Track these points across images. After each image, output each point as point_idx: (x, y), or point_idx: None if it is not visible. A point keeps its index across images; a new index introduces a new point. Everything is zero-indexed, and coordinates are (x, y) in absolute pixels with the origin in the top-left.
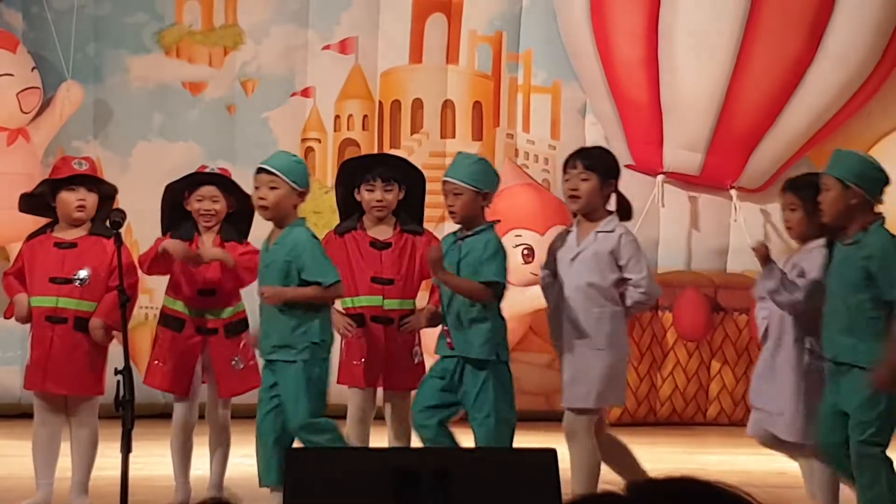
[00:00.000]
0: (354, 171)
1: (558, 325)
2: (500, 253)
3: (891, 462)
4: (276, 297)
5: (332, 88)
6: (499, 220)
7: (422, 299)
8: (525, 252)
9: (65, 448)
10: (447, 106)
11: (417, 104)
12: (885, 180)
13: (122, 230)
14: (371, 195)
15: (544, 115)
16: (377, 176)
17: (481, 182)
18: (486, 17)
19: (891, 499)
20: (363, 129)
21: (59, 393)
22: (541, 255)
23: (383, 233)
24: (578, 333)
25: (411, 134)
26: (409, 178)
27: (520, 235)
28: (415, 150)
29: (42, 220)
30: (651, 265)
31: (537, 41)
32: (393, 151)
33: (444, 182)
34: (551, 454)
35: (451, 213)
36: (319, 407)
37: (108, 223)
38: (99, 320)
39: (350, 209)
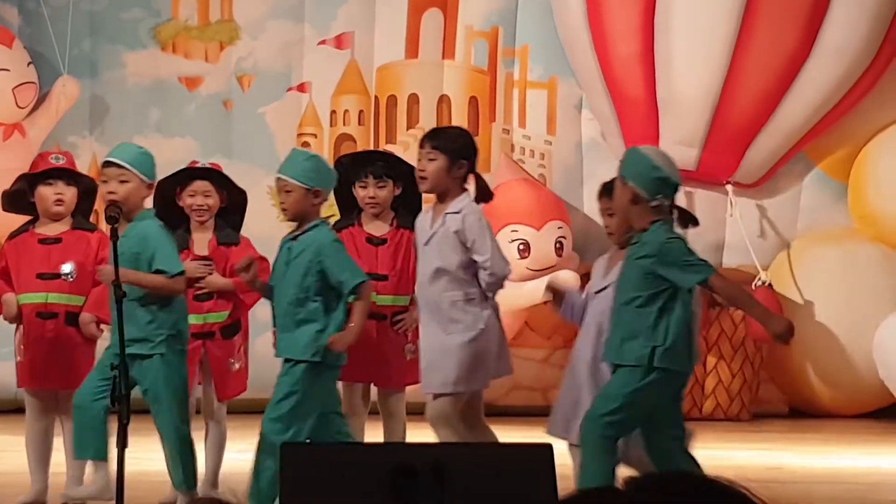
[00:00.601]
0: (348, 168)
1: (421, 309)
2: (343, 251)
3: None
4: (109, 277)
5: (329, 83)
6: (331, 217)
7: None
8: (521, 247)
9: (58, 444)
10: (443, 101)
11: (413, 99)
12: (664, 180)
13: (117, 225)
14: (364, 192)
15: (540, 111)
16: (369, 173)
17: (312, 179)
18: (483, 12)
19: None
20: (359, 124)
21: (52, 388)
22: (537, 251)
23: (379, 229)
24: (434, 318)
25: (407, 129)
26: (403, 175)
27: (516, 231)
28: (411, 145)
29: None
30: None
31: (533, 36)
32: (389, 147)
33: (277, 179)
34: (548, 449)
35: (283, 210)
36: (183, 398)
37: (105, 218)
38: (90, 315)
39: (348, 205)
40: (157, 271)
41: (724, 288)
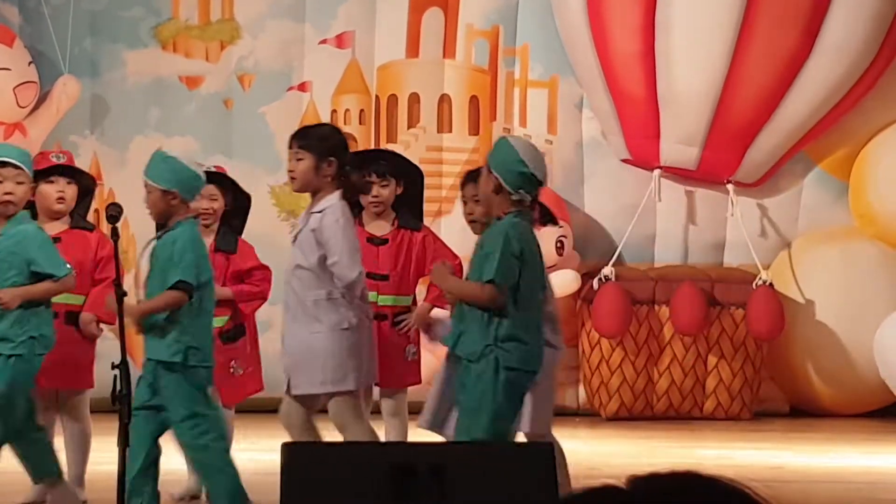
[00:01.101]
0: (351, 168)
1: (286, 308)
2: (189, 252)
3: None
4: (15, 301)
5: (329, 83)
6: (197, 216)
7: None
8: None
9: (59, 443)
10: (444, 100)
11: (414, 98)
12: (528, 176)
13: (118, 224)
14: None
15: (541, 110)
16: (372, 171)
17: (166, 181)
18: (483, 11)
19: None
20: (360, 123)
21: (52, 388)
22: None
23: (381, 228)
24: (299, 317)
25: (408, 128)
26: (405, 173)
27: None
28: (411, 144)
29: None
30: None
31: (534, 35)
32: (390, 146)
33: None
34: (547, 448)
35: (149, 211)
36: (21, 402)
37: (106, 217)
38: (90, 314)
39: (350, 205)
40: (45, 275)
41: (477, 298)
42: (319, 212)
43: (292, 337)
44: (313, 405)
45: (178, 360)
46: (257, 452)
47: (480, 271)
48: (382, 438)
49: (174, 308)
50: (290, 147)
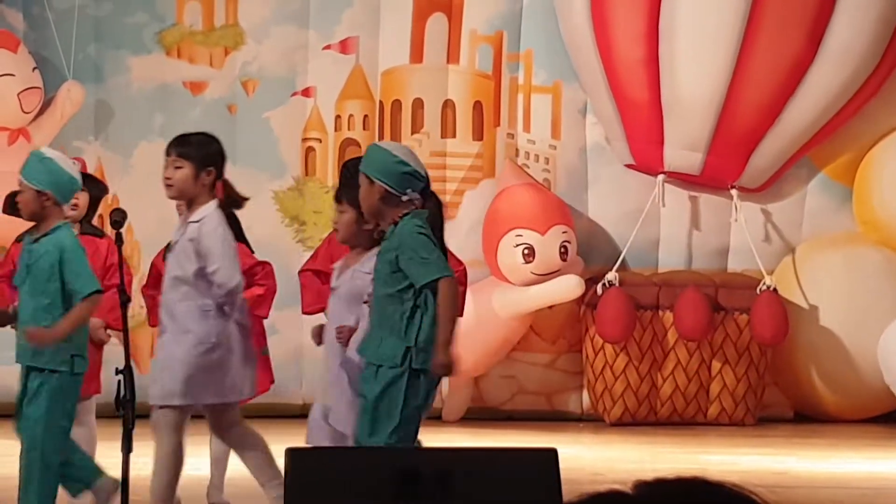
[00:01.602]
0: (354, 173)
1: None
2: (83, 258)
3: None
4: (60, 337)
5: (333, 88)
6: (67, 219)
7: None
8: (525, 252)
9: None
10: (448, 106)
11: (418, 104)
12: (412, 174)
13: (122, 230)
14: None
15: (545, 115)
16: None
17: (40, 182)
18: (487, 16)
19: None
20: (364, 128)
21: None
22: (541, 255)
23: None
24: (170, 327)
25: (412, 134)
26: None
27: (520, 235)
28: (415, 149)
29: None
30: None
31: (538, 41)
32: None
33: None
34: (552, 454)
35: (21, 211)
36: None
37: (110, 223)
38: (99, 320)
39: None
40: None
41: (445, 297)
42: (197, 221)
43: (162, 346)
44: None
45: (65, 370)
46: None
47: (419, 276)
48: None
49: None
50: (168, 154)
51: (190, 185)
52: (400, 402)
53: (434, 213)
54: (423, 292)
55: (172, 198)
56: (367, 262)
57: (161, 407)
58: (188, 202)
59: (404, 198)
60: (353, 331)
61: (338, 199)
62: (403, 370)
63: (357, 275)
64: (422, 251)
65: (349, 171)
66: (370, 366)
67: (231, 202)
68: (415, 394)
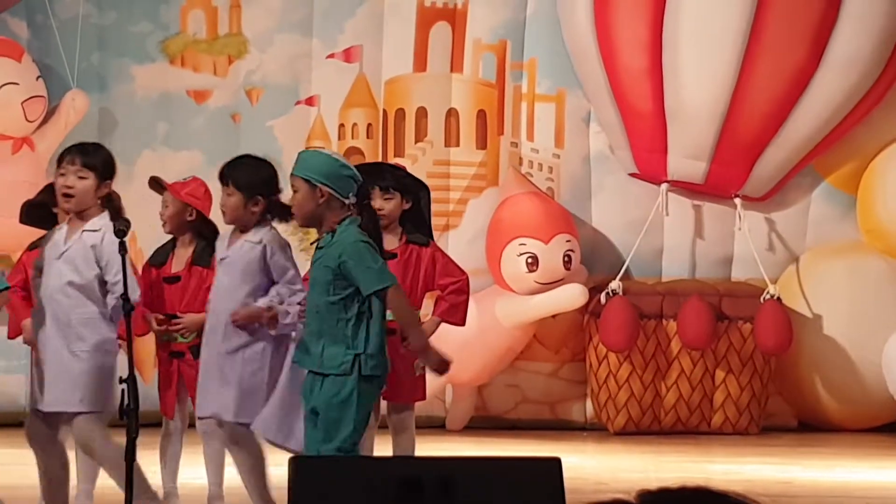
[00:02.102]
0: (246, 159)
1: (39, 323)
2: None
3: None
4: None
5: (337, 97)
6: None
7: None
8: (529, 261)
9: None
10: (451, 114)
11: (422, 112)
12: (352, 178)
13: (126, 239)
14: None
15: (548, 124)
16: (375, 185)
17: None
18: (490, 25)
19: None
20: (367, 137)
21: None
22: (545, 264)
23: (389, 243)
24: (60, 334)
25: (415, 142)
26: (411, 189)
27: (524, 244)
28: (419, 158)
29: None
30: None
31: (541, 50)
32: (397, 160)
33: None
34: (556, 463)
35: None
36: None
37: (113, 232)
38: None
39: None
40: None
41: (397, 302)
42: (96, 230)
43: (52, 353)
44: (60, 422)
45: None
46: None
47: (368, 283)
48: (390, 453)
49: None
50: (71, 164)
51: (91, 196)
52: (353, 408)
53: (370, 221)
54: (367, 299)
55: (71, 209)
56: (256, 234)
57: (79, 414)
58: (78, 213)
59: (346, 202)
60: (252, 314)
61: (224, 181)
62: (354, 378)
63: (247, 245)
64: (368, 259)
65: (240, 159)
66: (314, 375)
67: (114, 211)
68: (367, 399)
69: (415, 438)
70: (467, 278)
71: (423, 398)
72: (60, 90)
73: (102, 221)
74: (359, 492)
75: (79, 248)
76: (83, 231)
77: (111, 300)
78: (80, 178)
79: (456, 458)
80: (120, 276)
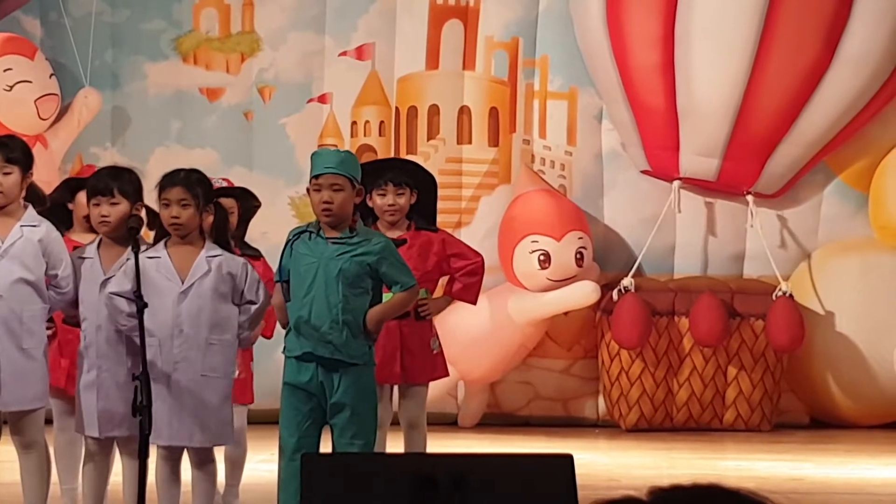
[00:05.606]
0: (365, 177)
1: None
2: None
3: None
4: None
5: (349, 94)
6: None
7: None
8: (541, 258)
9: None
10: (463, 112)
11: (434, 110)
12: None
13: (139, 236)
14: (383, 199)
15: (560, 121)
16: (388, 180)
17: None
18: (503, 23)
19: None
20: (380, 134)
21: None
22: (557, 261)
23: (396, 234)
24: (9, 334)
25: (428, 140)
26: (420, 182)
27: (536, 241)
28: (431, 155)
29: None
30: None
31: (553, 47)
32: (409, 157)
33: None
34: (568, 460)
35: None
36: None
37: (126, 229)
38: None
39: (363, 214)
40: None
41: (410, 298)
42: (36, 225)
43: (3, 352)
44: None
45: None
46: (276, 464)
47: (407, 279)
48: (401, 450)
49: None
50: None
51: (18, 190)
52: (375, 398)
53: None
54: (378, 293)
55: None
56: (28, 217)
57: (34, 410)
58: (4, 207)
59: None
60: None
61: (110, 191)
62: (371, 367)
63: (28, 229)
64: (400, 257)
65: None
66: (327, 367)
67: (39, 201)
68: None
69: (426, 435)
70: (482, 260)
71: (446, 374)
72: (73, 88)
73: (35, 215)
74: (371, 489)
75: (27, 242)
76: (21, 226)
77: (52, 294)
78: (6, 173)
79: (468, 454)
80: (69, 271)
